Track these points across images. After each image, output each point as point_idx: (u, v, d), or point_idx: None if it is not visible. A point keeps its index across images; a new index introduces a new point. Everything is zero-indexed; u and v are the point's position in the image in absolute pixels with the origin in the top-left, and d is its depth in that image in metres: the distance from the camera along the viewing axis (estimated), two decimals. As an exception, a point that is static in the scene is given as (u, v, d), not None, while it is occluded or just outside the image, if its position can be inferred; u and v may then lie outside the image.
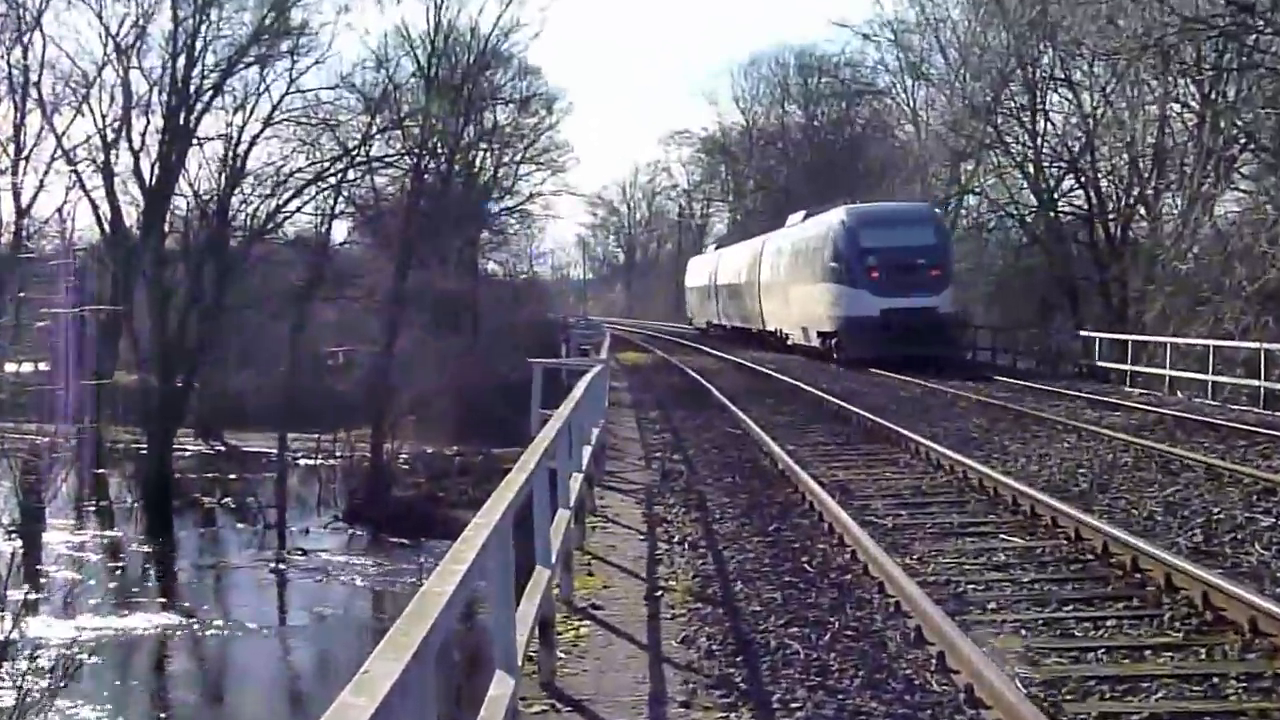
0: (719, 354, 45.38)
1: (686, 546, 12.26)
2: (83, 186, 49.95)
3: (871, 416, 22.12)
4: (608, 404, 23.09)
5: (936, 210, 40.98)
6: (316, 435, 50.94)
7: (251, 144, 51.45)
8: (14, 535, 38.19)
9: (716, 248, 69.58)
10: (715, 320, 62.47)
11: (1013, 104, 47.41)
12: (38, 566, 35.32)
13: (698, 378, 33.91)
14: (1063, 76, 45.94)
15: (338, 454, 50.67)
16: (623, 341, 58.58)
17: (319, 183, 53.58)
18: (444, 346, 54.99)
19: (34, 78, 48.57)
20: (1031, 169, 47.04)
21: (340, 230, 62.09)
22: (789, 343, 44.15)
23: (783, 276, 44.65)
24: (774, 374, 34.02)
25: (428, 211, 56.93)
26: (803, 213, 46.67)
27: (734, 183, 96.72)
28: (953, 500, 14.55)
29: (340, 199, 56.24)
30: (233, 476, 48.04)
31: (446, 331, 57.40)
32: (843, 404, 24.76)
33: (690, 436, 21.63)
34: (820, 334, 39.48)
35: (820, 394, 27.25)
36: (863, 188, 62.04)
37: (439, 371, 52.80)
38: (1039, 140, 46.39)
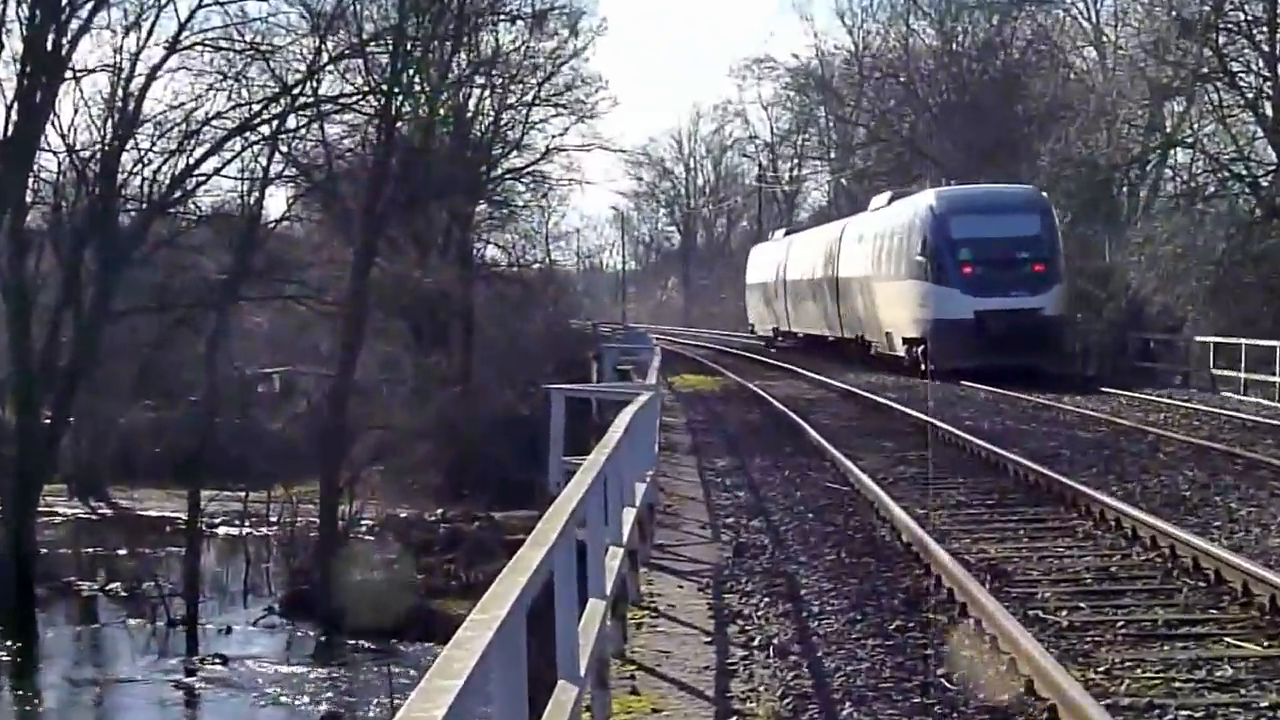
0: (815, 376, 45.87)
1: (772, 653, 12.27)
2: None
3: (1036, 467, 22.15)
4: (659, 449, 23.24)
5: (1043, 194, 46.26)
6: (242, 493, 51.22)
7: (150, 79, 51.86)
8: None
9: (786, 233, 73.58)
10: (783, 326, 68.42)
11: (1242, 16, 47.21)
12: None
13: (784, 409, 34.43)
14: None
15: (273, 520, 50.95)
16: (680, 359, 58.78)
17: (246, 134, 53.96)
18: (425, 367, 55.28)
19: None
20: (1269, 110, 46.79)
21: (278, 202, 62.58)
22: (872, 352, 50.02)
23: (864, 272, 50.85)
24: (893, 404, 34.52)
25: (402, 175, 57.31)
26: (889, 194, 53.59)
27: (837, 133, 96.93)
28: (1156, 588, 14.54)
29: (277, 157, 56.61)
30: (122, 552, 48.33)
31: (429, 346, 57.74)
32: (993, 448, 24.85)
33: (776, 495, 21.82)
34: (906, 341, 45.84)
35: (960, 434, 27.50)
36: (1022, 139, 61.95)
37: (418, 402, 53.10)
38: (1280, 69, 46.17)
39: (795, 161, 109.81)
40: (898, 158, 79.22)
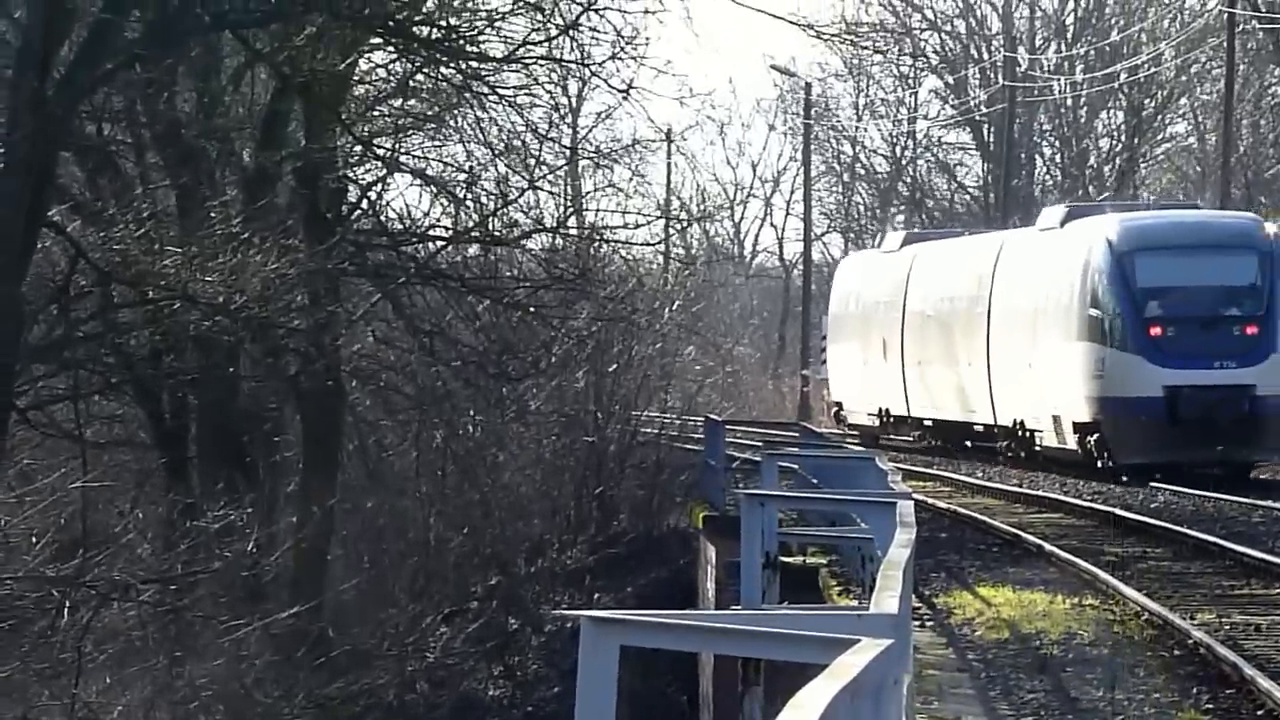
0: None
1: None
2: None
3: None
4: None
5: (1267, 224, 40.13)
6: None
7: None
8: None
9: (905, 243, 52.34)
10: (895, 408, 49.50)
11: None
12: None
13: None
14: None
15: None
16: (971, 531, 30.08)
17: None
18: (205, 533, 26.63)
19: None
20: None
21: None
22: (1037, 446, 41.77)
23: (1024, 324, 42.43)
24: None
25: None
26: (1063, 208, 44.53)
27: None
28: None
29: None
30: None
31: (207, 474, 28.73)
32: None
33: None
34: (1076, 426, 39.15)
35: None
36: None
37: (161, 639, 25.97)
38: None
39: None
40: None
